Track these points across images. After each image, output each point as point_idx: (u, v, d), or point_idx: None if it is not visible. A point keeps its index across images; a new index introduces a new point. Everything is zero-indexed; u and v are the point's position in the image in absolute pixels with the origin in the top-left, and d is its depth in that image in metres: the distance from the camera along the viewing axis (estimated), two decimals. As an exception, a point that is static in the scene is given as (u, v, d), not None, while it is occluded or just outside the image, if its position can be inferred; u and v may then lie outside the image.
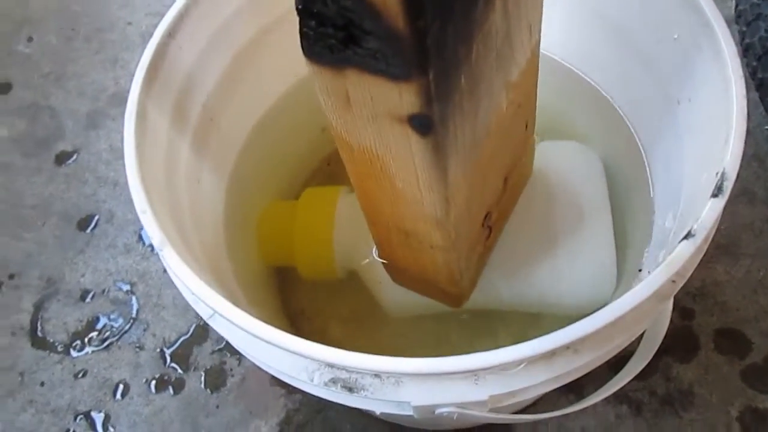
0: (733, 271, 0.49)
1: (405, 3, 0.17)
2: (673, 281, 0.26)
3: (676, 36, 0.32)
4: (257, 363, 0.27)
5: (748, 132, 0.55)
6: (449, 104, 0.22)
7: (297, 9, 0.20)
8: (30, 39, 0.70)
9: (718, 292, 0.49)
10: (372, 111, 0.22)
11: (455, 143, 0.24)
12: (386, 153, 0.25)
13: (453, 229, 0.28)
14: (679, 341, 0.47)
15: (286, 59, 0.41)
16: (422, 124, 0.22)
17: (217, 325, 0.28)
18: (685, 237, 0.24)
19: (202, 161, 0.36)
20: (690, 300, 0.49)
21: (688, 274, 0.26)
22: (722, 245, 0.50)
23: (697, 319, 0.48)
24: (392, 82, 0.20)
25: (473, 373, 0.24)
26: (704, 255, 0.51)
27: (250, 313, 0.25)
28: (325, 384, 0.25)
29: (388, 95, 0.21)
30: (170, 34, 0.32)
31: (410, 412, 0.25)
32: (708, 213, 0.25)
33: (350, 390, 0.24)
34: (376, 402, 0.25)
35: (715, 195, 0.25)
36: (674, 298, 0.48)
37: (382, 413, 0.29)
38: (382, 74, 0.20)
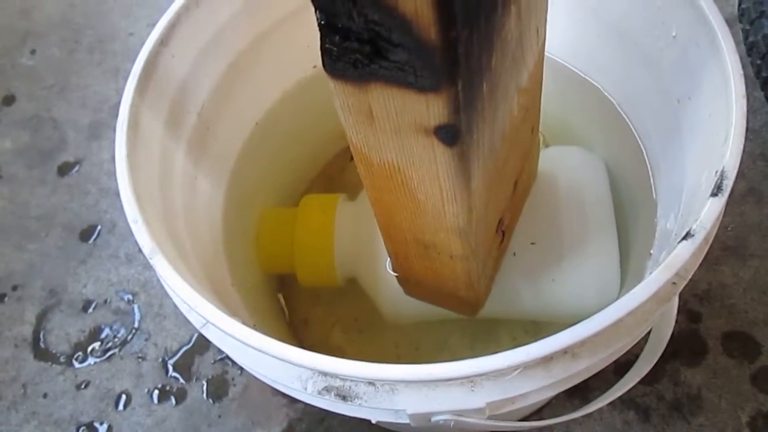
0: (741, 272, 0.49)
1: (438, 14, 0.17)
2: (674, 283, 0.25)
3: (674, 34, 0.32)
4: (252, 372, 0.27)
5: (755, 131, 0.55)
6: (474, 113, 0.22)
7: (319, 24, 0.19)
8: (33, 51, 0.71)
9: (725, 294, 0.48)
10: (396, 124, 0.22)
11: (477, 151, 0.24)
12: (409, 166, 0.24)
13: (473, 237, 0.28)
14: (687, 345, 0.46)
15: (281, 66, 0.41)
16: (449, 134, 0.21)
17: (211, 335, 0.27)
18: (684, 237, 0.24)
19: (199, 170, 0.36)
20: (697, 303, 0.48)
21: (689, 276, 0.25)
22: (729, 246, 0.50)
23: (704, 322, 0.47)
24: (419, 94, 0.20)
25: (469, 380, 0.24)
26: (711, 257, 0.50)
27: (248, 323, 0.24)
28: (319, 392, 0.24)
29: (414, 107, 0.21)
30: (162, 42, 0.31)
31: (406, 420, 0.25)
32: (707, 212, 0.24)
33: (344, 398, 0.24)
34: (370, 410, 0.25)
35: (714, 194, 0.24)
36: (681, 300, 0.48)
37: (381, 422, 0.28)
38: (409, 87, 0.20)
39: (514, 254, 0.38)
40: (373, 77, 0.20)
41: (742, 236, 0.50)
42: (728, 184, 0.24)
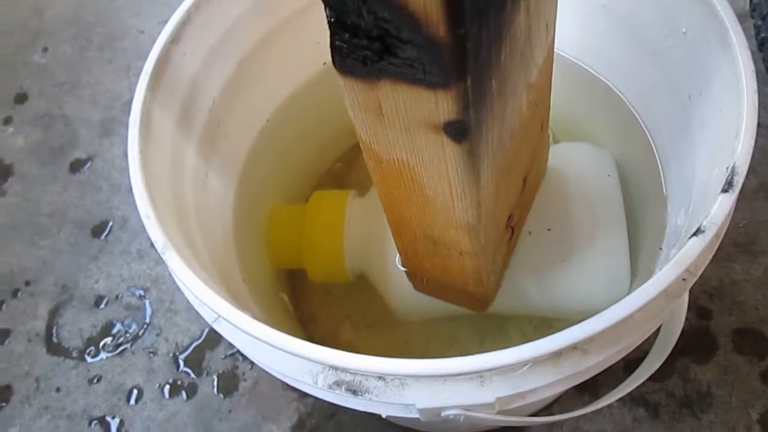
0: (751, 269, 0.48)
1: (447, 10, 0.17)
2: (684, 279, 0.25)
3: (684, 30, 0.32)
4: (263, 366, 0.27)
5: (767, 127, 0.54)
6: (483, 109, 0.22)
7: (329, 22, 0.19)
8: (45, 49, 0.71)
9: (736, 291, 0.48)
10: (405, 121, 0.22)
11: (487, 147, 0.24)
12: (418, 162, 0.24)
13: (483, 233, 0.28)
14: (697, 342, 0.46)
15: (291, 63, 0.41)
16: (458, 130, 0.21)
17: (222, 329, 0.28)
18: (695, 233, 0.24)
19: (209, 166, 0.36)
20: (707, 299, 0.48)
21: (699, 272, 0.25)
22: (740, 243, 0.49)
23: (714, 319, 0.47)
24: (428, 90, 0.20)
25: (478, 375, 0.24)
26: (721, 253, 0.50)
27: (258, 318, 0.24)
28: (329, 387, 0.24)
29: (423, 104, 0.21)
30: (174, 40, 0.32)
31: (416, 415, 0.25)
32: (718, 208, 0.24)
33: (354, 393, 0.24)
34: (380, 405, 0.25)
35: (725, 190, 0.24)
36: (691, 297, 0.47)
37: (390, 417, 0.29)
38: (419, 83, 0.20)
39: (523, 249, 0.38)
40: (382, 74, 0.20)
41: (754, 233, 0.50)
42: (739, 180, 0.24)
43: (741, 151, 0.25)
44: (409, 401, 0.24)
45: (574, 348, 0.24)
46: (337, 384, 0.25)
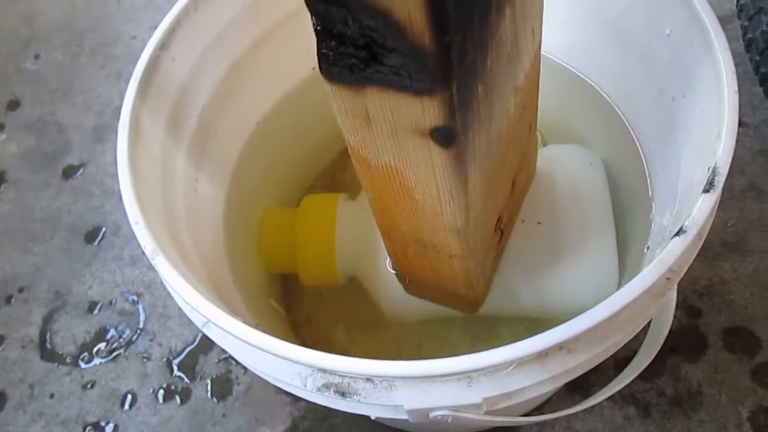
0: (740, 268, 0.49)
1: (431, 19, 0.17)
2: (668, 278, 0.25)
3: (668, 32, 0.32)
4: (253, 370, 0.27)
5: (755, 127, 0.55)
6: (469, 114, 0.22)
7: (315, 30, 0.20)
8: (37, 56, 0.71)
9: (725, 290, 0.48)
10: (392, 127, 0.22)
11: (474, 152, 0.24)
12: (406, 167, 0.25)
13: (471, 236, 0.28)
14: (687, 341, 0.47)
15: (281, 68, 0.41)
16: (444, 136, 0.22)
17: (212, 334, 0.28)
18: (677, 233, 0.24)
19: (200, 171, 0.37)
20: (697, 298, 0.48)
21: (683, 271, 0.26)
22: (729, 243, 0.50)
23: (704, 318, 0.47)
24: (415, 97, 0.20)
25: (466, 375, 0.24)
26: (710, 253, 0.50)
27: (250, 323, 0.25)
28: (318, 389, 0.25)
29: (409, 110, 0.21)
30: (163, 45, 0.32)
31: (404, 416, 0.25)
32: (699, 208, 0.24)
33: (343, 395, 0.24)
34: (369, 406, 0.25)
35: (706, 190, 0.25)
36: (681, 296, 0.47)
37: (380, 418, 0.29)
38: (405, 90, 0.20)
39: (512, 250, 0.38)
40: (369, 81, 0.20)
41: (743, 232, 0.50)
42: (720, 180, 0.25)
43: (722, 152, 0.25)
44: (397, 402, 0.24)
45: (559, 348, 0.25)
46: (326, 386, 0.25)
